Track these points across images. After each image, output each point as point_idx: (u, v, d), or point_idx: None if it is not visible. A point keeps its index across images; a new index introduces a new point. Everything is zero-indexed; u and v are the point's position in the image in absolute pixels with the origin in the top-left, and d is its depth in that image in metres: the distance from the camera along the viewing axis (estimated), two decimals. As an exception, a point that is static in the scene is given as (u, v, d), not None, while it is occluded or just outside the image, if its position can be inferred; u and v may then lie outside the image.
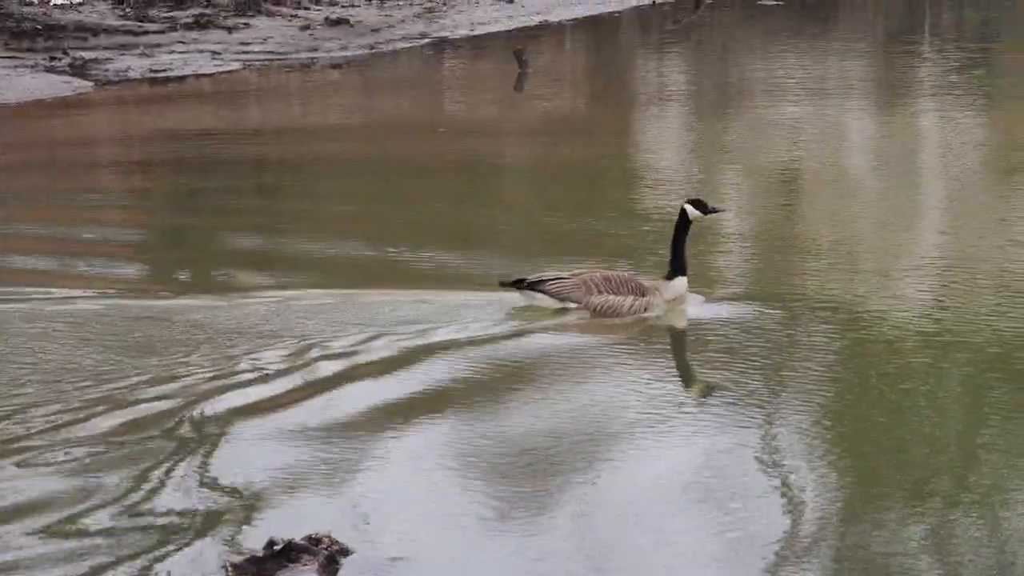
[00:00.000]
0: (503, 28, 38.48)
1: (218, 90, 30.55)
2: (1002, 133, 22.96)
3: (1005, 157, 20.65)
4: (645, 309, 12.51)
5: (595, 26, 40.90)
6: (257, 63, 33.01)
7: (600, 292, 12.45)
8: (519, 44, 31.85)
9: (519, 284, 12.67)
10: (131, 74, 30.93)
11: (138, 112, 28.58)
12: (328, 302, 13.18)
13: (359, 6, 40.05)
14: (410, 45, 35.78)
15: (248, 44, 34.74)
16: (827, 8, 44.39)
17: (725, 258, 14.70)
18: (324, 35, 36.17)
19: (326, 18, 37.66)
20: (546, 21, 40.02)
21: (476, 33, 37.80)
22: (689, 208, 12.69)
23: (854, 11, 44.31)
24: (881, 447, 9.97)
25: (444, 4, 40.63)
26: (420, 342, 12.02)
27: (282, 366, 11.57)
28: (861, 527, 8.65)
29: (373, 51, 34.82)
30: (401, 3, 40.64)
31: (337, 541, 8.10)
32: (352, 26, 37.23)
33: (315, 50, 34.55)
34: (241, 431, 10.32)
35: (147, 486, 9.30)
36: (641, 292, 12.53)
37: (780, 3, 43.95)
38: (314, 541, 8.03)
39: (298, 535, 8.12)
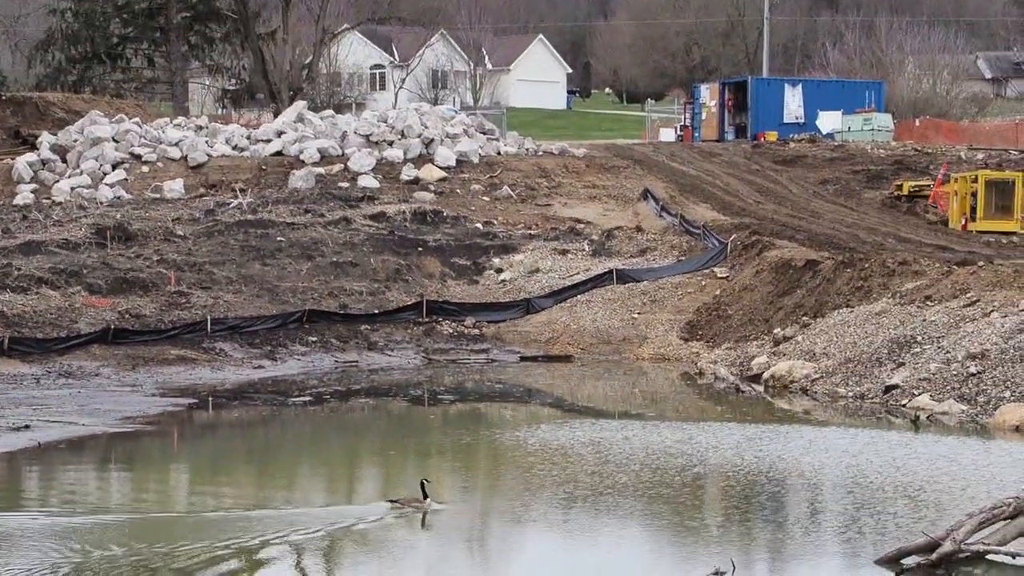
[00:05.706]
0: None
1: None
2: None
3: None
4: (424, 509, 27.88)
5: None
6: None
7: (412, 502, 27.92)
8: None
9: (393, 501, 28.25)
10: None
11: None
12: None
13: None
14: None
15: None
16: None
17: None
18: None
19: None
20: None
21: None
22: (423, 481, 28.03)
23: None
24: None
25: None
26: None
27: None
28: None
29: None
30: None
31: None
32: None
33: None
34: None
35: None
36: (421, 502, 28.11)
37: None
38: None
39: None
